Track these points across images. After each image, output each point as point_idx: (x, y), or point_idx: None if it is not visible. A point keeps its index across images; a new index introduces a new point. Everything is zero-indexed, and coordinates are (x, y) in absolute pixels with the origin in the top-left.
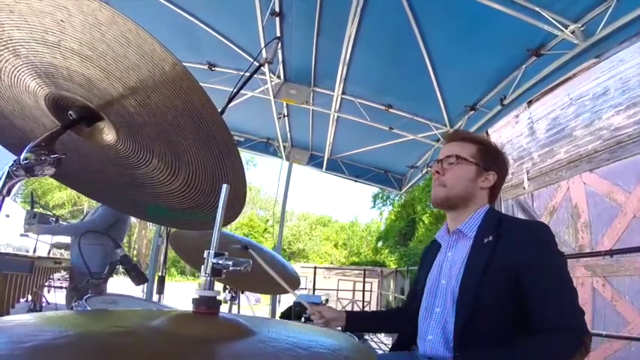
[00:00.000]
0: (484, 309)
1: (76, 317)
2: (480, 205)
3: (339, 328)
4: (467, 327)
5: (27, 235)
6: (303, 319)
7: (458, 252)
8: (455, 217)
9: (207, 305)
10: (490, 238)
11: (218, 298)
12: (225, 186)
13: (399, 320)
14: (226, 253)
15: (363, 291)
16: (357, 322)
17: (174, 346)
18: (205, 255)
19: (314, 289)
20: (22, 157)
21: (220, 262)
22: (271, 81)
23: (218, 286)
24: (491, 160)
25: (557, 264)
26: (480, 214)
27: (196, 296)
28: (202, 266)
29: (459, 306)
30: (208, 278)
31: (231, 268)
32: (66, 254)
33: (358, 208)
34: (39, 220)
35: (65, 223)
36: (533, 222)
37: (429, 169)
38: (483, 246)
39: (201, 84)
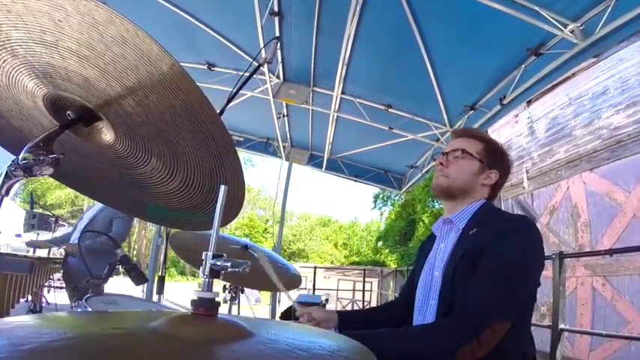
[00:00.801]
0: None
1: (74, 319)
2: (477, 199)
3: (333, 329)
4: (447, 314)
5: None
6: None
7: (448, 243)
8: (451, 207)
9: (205, 307)
10: (475, 230)
11: (217, 299)
12: (223, 187)
13: (399, 313)
14: (224, 254)
15: (363, 291)
16: (352, 322)
17: (173, 348)
18: (204, 256)
19: (314, 289)
20: (20, 157)
21: (219, 263)
22: (271, 81)
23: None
24: (496, 159)
25: (511, 256)
26: (473, 207)
27: (195, 298)
28: (201, 267)
29: (441, 294)
30: (207, 280)
31: (229, 270)
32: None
33: (358, 208)
34: (39, 221)
35: (66, 225)
36: (519, 216)
37: (434, 161)
38: (468, 237)
39: (200, 84)
